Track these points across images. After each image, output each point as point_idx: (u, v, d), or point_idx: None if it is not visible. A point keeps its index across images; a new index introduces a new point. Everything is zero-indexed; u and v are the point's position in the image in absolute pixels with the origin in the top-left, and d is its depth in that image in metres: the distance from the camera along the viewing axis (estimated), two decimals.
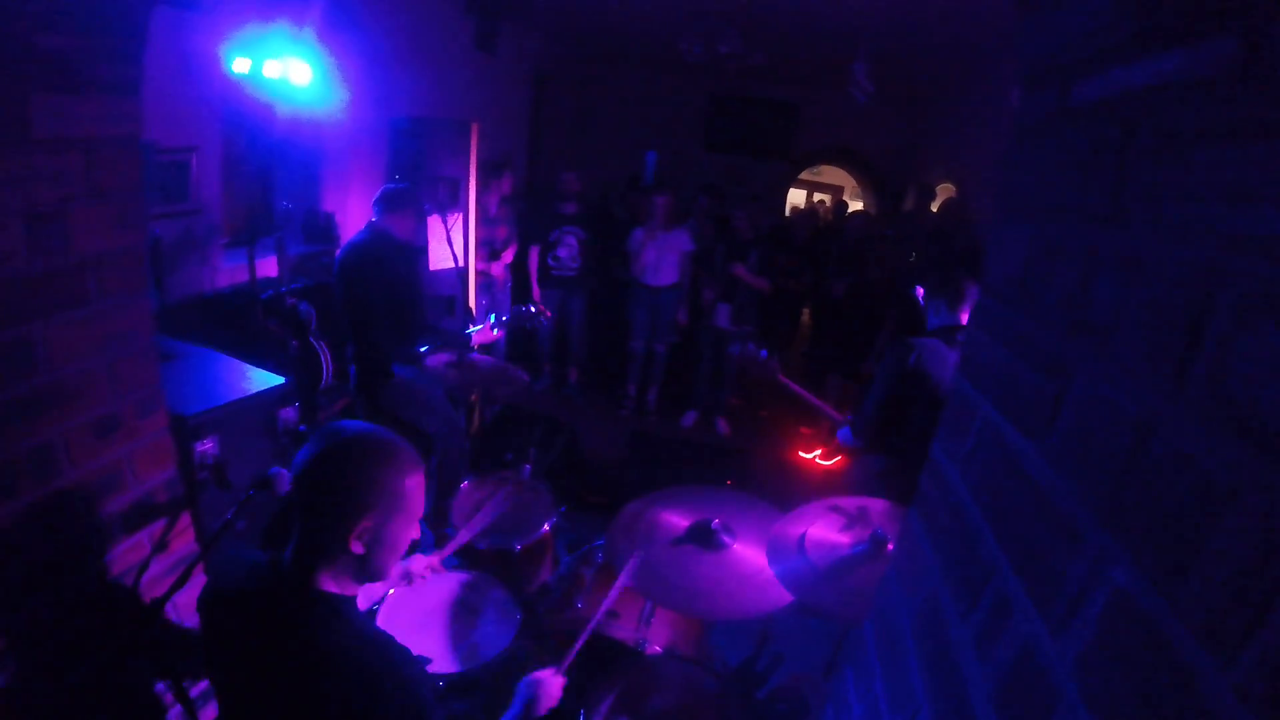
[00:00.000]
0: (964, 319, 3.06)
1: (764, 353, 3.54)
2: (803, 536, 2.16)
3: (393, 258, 3.82)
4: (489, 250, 6.18)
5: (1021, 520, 0.81)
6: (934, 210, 7.72)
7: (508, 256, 6.23)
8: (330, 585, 1.50)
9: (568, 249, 6.31)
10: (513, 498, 3.14)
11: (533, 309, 4.11)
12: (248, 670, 1.48)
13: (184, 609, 2.13)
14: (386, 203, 3.95)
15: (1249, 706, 0.46)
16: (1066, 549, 0.71)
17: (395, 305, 3.77)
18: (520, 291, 6.53)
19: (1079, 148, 0.83)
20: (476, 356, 3.53)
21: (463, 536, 2.49)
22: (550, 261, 6.32)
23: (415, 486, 1.54)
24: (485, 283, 6.28)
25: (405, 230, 3.93)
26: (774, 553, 2.11)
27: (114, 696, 1.92)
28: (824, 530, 2.19)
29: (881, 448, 3.27)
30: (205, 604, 1.59)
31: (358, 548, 1.47)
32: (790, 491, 4.09)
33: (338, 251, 4.01)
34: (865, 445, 3.23)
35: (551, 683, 1.88)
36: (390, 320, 3.79)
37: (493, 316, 4.04)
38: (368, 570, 1.54)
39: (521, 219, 6.60)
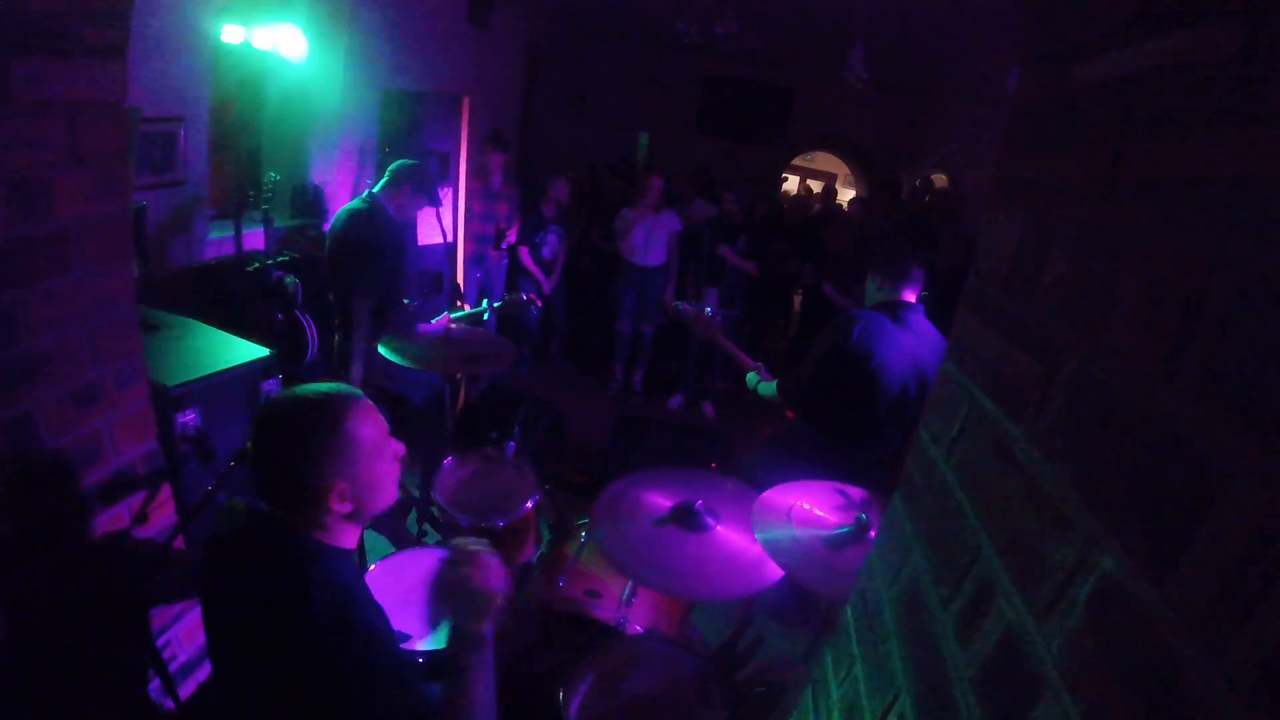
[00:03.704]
0: (906, 296, 3.06)
1: (708, 309, 3.59)
2: (789, 510, 2.17)
3: (382, 233, 3.78)
4: (494, 229, 6.14)
5: (1008, 505, 0.81)
6: (926, 200, 7.73)
7: (511, 237, 6.19)
8: (320, 536, 1.51)
9: (550, 248, 6.40)
10: (496, 476, 3.14)
11: (524, 298, 4.09)
12: (236, 613, 1.48)
13: (166, 584, 2.12)
14: (389, 176, 3.90)
15: (1239, 696, 0.46)
16: (1054, 534, 0.70)
17: (374, 280, 3.74)
18: (515, 279, 6.52)
19: (1076, 130, 0.82)
20: (466, 329, 3.51)
21: None
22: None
23: (363, 424, 1.52)
24: (478, 257, 6.24)
25: (399, 207, 3.88)
26: (760, 521, 2.12)
27: (95, 669, 1.91)
28: (809, 509, 2.20)
29: (813, 417, 3.26)
30: (206, 548, 1.59)
31: (344, 507, 1.50)
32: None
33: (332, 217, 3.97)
34: (795, 410, 3.22)
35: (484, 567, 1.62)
36: (368, 293, 3.76)
37: (485, 302, 3.99)
38: (361, 516, 1.56)
39: (519, 209, 6.59)
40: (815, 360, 3.07)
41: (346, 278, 3.81)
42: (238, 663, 1.49)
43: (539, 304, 3.99)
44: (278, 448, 1.47)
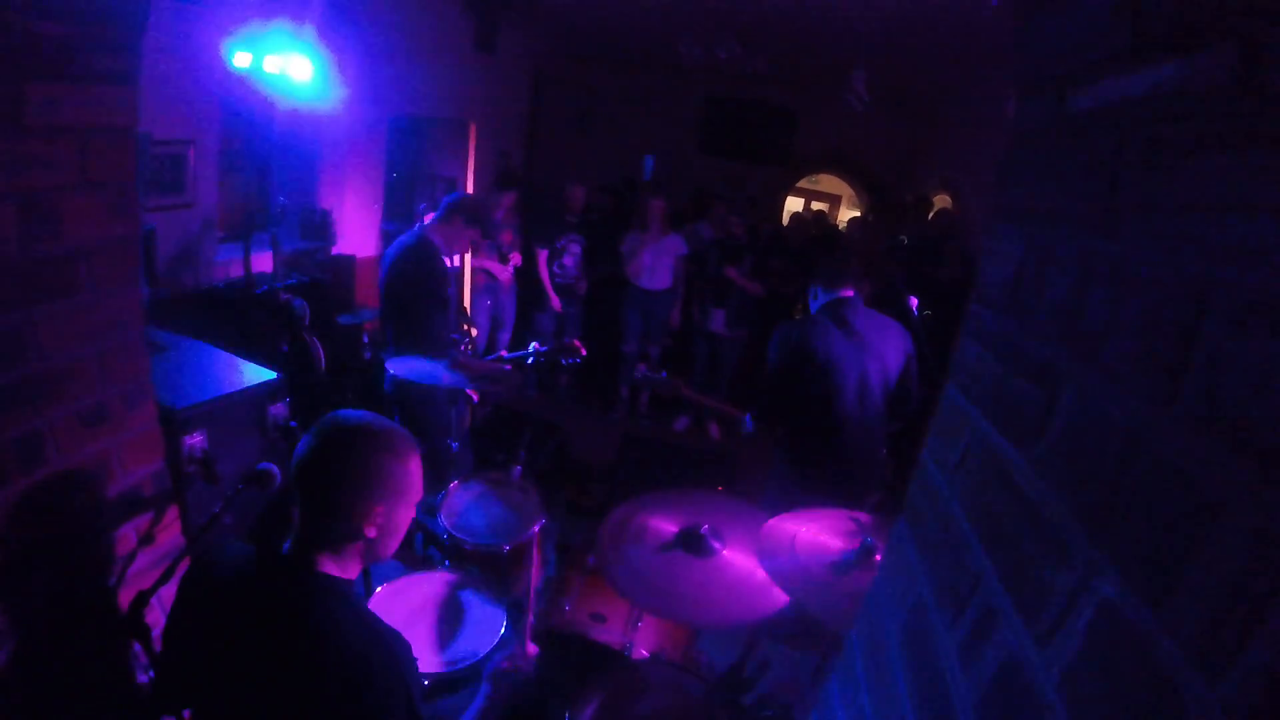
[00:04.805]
0: (844, 293, 3.25)
1: (663, 374, 3.74)
2: (794, 537, 2.16)
3: (428, 268, 3.80)
4: (497, 253, 6.14)
5: (1010, 531, 0.81)
6: (929, 220, 7.73)
7: (516, 259, 6.19)
8: (331, 568, 1.53)
9: (572, 257, 6.36)
10: (502, 499, 3.14)
11: (574, 344, 4.01)
12: (240, 656, 1.48)
13: (170, 603, 2.12)
14: (442, 210, 3.92)
15: None
16: (1054, 560, 0.70)
17: (412, 313, 3.76)
18: (535, 298, 6.48)
19: (1073, 157, 0.83)
20: (469, 358, 3.51)
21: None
22: (555, 269, 6.33)
23: (416, 470, 1.61)
24: (489, 285, 6.23)
25: (450, 240, 3.91)
26: (765, 551, 2.12)
27: (98, 689, 1.90)
28: (814, 534, 2.19)
29: (779, 425, 3.42)
30: (192, 587, 1.61)
31: (371, 532, 1.54)
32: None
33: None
34: (766, 426, 3.36)
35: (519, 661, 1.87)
36: (405, 325, 3.77)
37: (531, 346, 3.92)
38: (375, 553, 1.60)
39: (526, 225, 6.57)
40: (767, 373, 3.31)
41: (395, 313, 3.83)
42: (252, 705, 1.49)
43: (584, 352, 3.93)
44: (350, 455, 1.52)
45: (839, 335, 3.13)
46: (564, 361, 3.92)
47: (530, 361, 3.88)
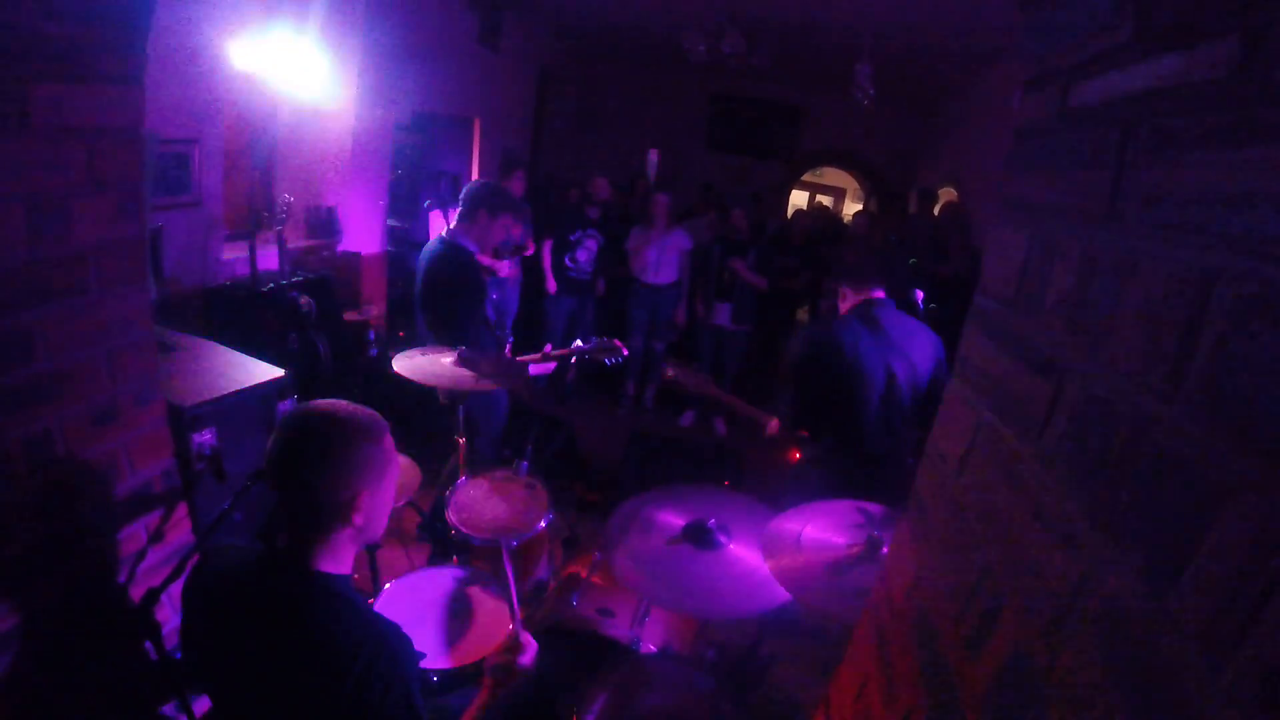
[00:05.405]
0: (874, 294, 3.22)
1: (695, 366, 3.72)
2: (800, 534, 2.16)
3: (464, 277, 3.73)
4: (510, 247, 6.08)
5: (1015, 523, 0.81)
6: (934, 214, 7.71)
7: (528, 252, 6.14)
8: (326, 565, 1.52)
9: (587, 252, 6.31)
10: (509, 495, 3.15)
11: (616, 343, 3.92)
12: (243, 654, 1.49)
13: (179, 600, 2.13)
14: (463, 207, 3.76)
15: (1239, 709, 0.46)
16: (1060, 552, 0.71)
17: (450, 321, 3.72)
18: (535, 287, 6.46)
19: (1078, 150, 0.83)
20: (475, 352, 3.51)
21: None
22: (568, 263, 6.29)
23: (390, 448, 1.59)
24: (492, 281, 6.20)
25: (481, 237, 3.79)
26: (769, 548, 2.11)
27: (109, 686, 1.91)
28: (820, 529, 2.19)
29: (811, 427, 3.37)
30: (194, 590, 1.61)
31: (359, 520, 1.52)
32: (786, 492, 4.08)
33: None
34: (797, 427, 3.33)
35: (521, 656, 1.88)
36: (445, 335, 3.73)
37: (575, 343, 3.82)
38: (365, 536, 1.60)
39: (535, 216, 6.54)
40: (790, 375, 3.26)
41: (432, 321, 3.80)
42: (260, 706, 1.50)
43: (625, 353, 3.84)
44: (325, 447, 1.49)
45: (867, 334, 3.08)
46: (608, 362, 3.87)
47: (574, 360, 3.84)
